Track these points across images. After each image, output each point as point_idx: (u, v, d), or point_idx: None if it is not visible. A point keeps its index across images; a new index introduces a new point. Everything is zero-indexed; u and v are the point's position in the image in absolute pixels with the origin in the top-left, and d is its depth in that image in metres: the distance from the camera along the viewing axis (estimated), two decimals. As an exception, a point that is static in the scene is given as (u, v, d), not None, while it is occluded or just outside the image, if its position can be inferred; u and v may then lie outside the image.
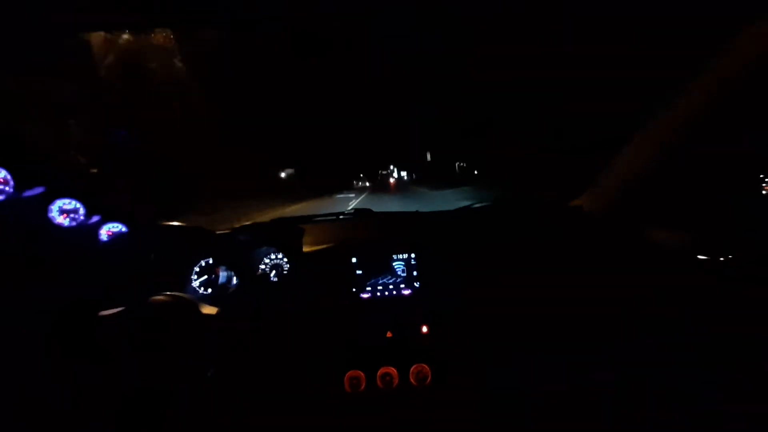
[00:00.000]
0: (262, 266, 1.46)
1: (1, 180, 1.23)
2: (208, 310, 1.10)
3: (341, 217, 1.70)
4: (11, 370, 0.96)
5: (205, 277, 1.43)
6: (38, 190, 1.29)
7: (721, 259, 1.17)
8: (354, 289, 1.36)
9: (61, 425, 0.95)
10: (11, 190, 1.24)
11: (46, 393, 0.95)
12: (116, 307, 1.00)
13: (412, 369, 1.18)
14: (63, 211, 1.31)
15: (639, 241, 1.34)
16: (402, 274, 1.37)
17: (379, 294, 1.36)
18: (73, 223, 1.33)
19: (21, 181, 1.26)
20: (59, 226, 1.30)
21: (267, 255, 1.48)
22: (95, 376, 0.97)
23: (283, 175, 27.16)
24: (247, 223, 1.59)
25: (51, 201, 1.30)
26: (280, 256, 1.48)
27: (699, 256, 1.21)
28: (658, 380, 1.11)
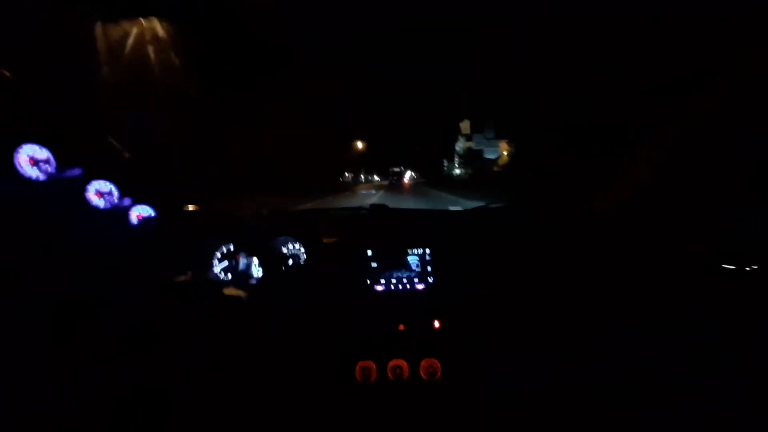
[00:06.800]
0: (281, 255, 1.51)
1: (44, 159, 1.31)
2: (231, 291, 1.14)
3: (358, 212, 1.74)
4: (11, 370, 0.97)
5: (227, 262, 1.48)
6: (77, 171, 1.36)
7: (724, 258, 1.16)
8: (368, 281, 1.39)
9: (60, 425, 0.96)
10: (53, 170, 1.32)
11: (46, 393, 0.96)
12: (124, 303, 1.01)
13: (422, 363, 1.20)
14: (98, 193, 1.39)
15: (643, 241, 1.33)
16: (416, 269, 1.39)
17: (392, 287, 1.38)
18: (108, 205, 1.40)
19: (62, 161, 1.34)
20: (95, 207, 1.37)
21: (286, 244, 1.53)
22: (95, 376, 0.99)
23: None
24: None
25: (88, 182, 1.37)
26: (297, 245, 1.52)
27: (701, 256, 1.20)
28: (658, 379, 1.11)
